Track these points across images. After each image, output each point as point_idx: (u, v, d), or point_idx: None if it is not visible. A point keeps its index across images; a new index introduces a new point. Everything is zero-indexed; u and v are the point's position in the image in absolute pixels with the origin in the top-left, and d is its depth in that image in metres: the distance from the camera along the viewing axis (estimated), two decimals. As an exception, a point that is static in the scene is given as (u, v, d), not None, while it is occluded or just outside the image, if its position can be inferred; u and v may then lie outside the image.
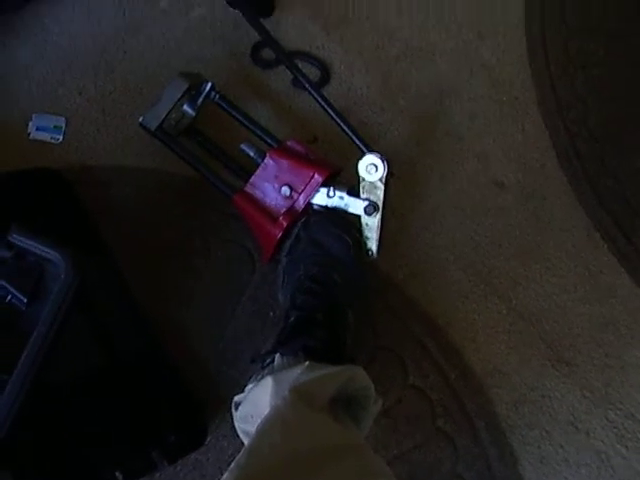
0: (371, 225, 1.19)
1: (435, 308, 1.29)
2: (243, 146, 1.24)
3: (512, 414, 1.23)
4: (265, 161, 1.21)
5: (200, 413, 1.22)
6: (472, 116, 1.40)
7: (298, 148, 1.24)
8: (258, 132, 1.30)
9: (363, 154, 1.15)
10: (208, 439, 1.21)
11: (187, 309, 1.28)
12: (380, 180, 1.15)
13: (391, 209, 1.32)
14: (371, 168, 1.15)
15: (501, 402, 1.24)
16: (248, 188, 1.22)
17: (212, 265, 1.31)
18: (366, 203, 1.17)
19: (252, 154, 1.24)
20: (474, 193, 1.36)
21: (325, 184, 1.18)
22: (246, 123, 1.30)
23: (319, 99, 1.23)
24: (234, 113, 1.30)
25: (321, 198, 1.19)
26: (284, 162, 1.20)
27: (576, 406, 1.23)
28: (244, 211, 1.22)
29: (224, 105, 1.30)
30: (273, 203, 1.20)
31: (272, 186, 1.20)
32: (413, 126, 1.40)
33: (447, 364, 1.25)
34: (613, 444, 1.21)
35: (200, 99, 1.30)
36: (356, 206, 1.18)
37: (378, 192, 1.16)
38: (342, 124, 1.24)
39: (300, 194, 1.19)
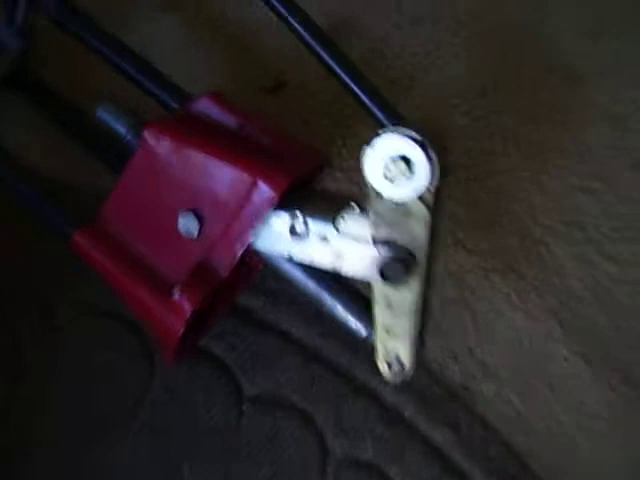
0: (397, 306, 0.49)
1: None
2: (101, 111, 0.55)
3: None
4: (141, 148, 0.51)
5: None
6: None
7: (223, 116, 0.53)
8: (147, 80, 0.59)
9: (377, 133, 0.46)
10: None
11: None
12: (419, 198, 0.46)
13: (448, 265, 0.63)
14: (397, 169, 0.45)
15: None
16: (103, 218, 0.52)
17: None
18: (387, 253, 0.47)
19: (117, 127, 0.54)
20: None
21: (286, 203, 0.49)
22: (120, 61, 0.59)
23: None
24: (95, 42, 0.59)
25: (277, 239, 0.50)
26: (187, 151, 0.50)
27: None
28: (98, 269, 0.52)
29: (73, 23, 0.59)
30: (162, 250, 0.51)
31: (160, 212, 0.51)
32: (483, 61, 0.68)
33: None
34: None
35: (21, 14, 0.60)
36: (361, 259, 0.48)
37: (414, 226, 0.47)
38: (331, 60, 0.54)
39: (223, 233, 0.49)
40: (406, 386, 0.61)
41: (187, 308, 0.48)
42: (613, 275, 0.63)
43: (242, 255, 0.50)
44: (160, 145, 0.50)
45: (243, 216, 0.49)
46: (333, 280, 0.53)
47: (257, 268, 0.59)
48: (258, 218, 0.49)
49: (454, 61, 0.69)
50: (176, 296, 0.48)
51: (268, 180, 0.48)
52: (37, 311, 0.63)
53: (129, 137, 0.54)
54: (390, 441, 0.59)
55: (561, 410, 0.61)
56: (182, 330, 0.49)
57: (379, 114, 0.52)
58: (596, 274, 0.63)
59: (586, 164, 0.66)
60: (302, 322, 0.61)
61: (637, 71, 0.67)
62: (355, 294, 0.53)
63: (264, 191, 0.48)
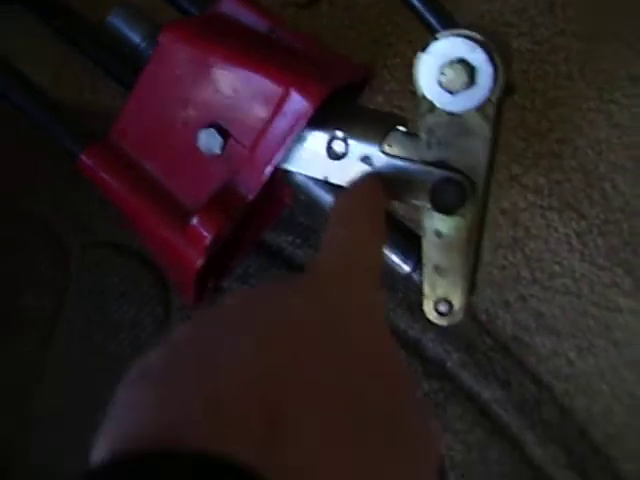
0: (449, 239, 0.42)
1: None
2: (113, 15, 0.48)
3: None
4: (157, 54, 0.44)
5: None
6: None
7: (251, 19, 0.46)
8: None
9: (434, 37, 0.39)
10: None
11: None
12: (479, 108, 0.39)
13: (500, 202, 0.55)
14: (455, 74, 0.38)
15: None
16: (114, 136, 0.46)
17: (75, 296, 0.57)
18: (440, 175, 0.40)
19: (131, 35, 0.47)
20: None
21: (322, 119, 0.42)
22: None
23: None
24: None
25: (312, 159, 0.43)
26: (209, 57, 0.43)
27: None
28: (109, 195, 0.46)
29: None
30: (179, 172, 0.45)
31: (176, 126, 0.44)
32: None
33: None
34: None
35: None
36: (409, 183, 0.41)
37: (472, 144, 0.40)
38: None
39: (251, 148, 0.43)
40: (450, 335, 0.54)
41: (206, 235, 0.42)
42: (688, 218, 0.56)
43: (271, 179, 0.43)
44: (178, 52, 0.44)
45: (273, 132, 0.42)
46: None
47: (286, 201, 0.53)
48: (291, 134, 0.42)
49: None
50: (194, 222, 0.42)
51: (302, 90, 0.41)
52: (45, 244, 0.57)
53: (144, 46, 0.47)
54: (431, 396, 0.53)
55: (625, 368, 0.54)
56: (201, 261, 0.43)
57: (433, 20, 0.45)
58: (668, 216, 0.55)
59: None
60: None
61: None
62: (399, 226, 0.46)
63: (298, 102, 0.41)
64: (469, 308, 0.54)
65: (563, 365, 0.54)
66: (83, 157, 0.46)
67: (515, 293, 0.55)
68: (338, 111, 0.44)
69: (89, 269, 0.55)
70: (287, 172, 0.44)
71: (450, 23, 0.45)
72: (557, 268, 0.55)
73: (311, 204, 0.48)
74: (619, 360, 0.55)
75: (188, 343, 0.24)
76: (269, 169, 0.42)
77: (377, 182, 0.40)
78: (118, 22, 0.48)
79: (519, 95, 0.57)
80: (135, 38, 0.48)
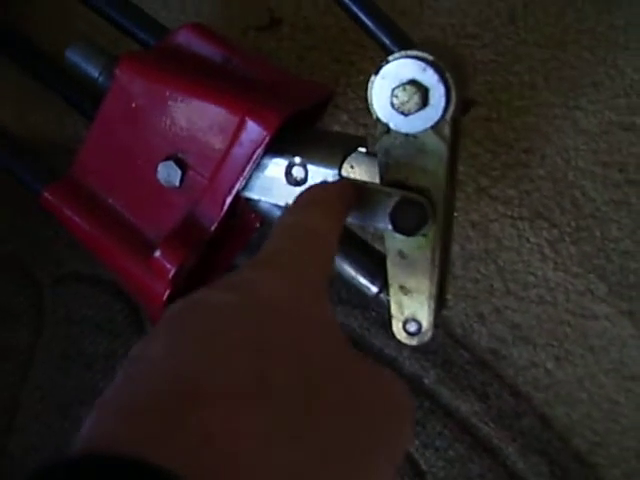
0: (413, 259, 0.42)
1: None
2: (70, 51, 0.48)
3: None
4: (114, 87, 0.44)
5: None
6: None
7: (206, 48, 0.46)
8: (119, 15, 0.52)
9: (386, 59, 0.39)
10: None
11: None
12: (434, 128, 0.39)
13: (470, 215, 0.55)
14: (407, 95, 0.38)
15: None
16: (77, 170, 0.46)
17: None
18: (398, 197, 0.40)
19: (88, 69, 0.47)
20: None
21: (280, 146, 0.42)
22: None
23: None
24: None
25: (272, 186, 0.43)
26: (164, 89, 0.43)
27: None
28: (73, 230, 0.46)
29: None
30: (141, 205, 0.45)
31: (136, 159, 0.44)
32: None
33: None
34: None
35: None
36: (369, 205, 0.41)
37: (429, 164, 0.40)
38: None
39: (210, 179, 0.43)
40: (427, 352, 0.54)
41: (169, 267, 0.42)
42: (659, 221, 0.56)
43: (233, 207, 0.43)
44: (134, 84, 0.44)
45: (231, 161, 0.42)
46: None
47: (253, 226, 0.52)
48: (249, 163, 0.42)
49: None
50: (157, 254, 0.42)
51: (258, 118, 0.41)
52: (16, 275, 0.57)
53: (102, 79, 0.47)
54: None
55: (603, 375, 0.54)
56: (166, 292, 0.43)
57: (387, 41, 0.45)
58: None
59: (625, 98, 0.58)
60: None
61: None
62: (365, 247, 0.46)
63: (254, 130, 0.41)
64: (444, 323, 0.54)
65: (541, 375, 0.54)
66: (45, 194, 0.46)
67: (489, 305, 0.55)
68: (296, 137, 0.44)
69: (63, 302, 0.55)
70: (249, 199, 0.44)
71: (404, 43, 0.45)
72: (531, 278, 0.55)
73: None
74: (597, 367, 0.55)
75: (133, 357, 0.25)
76: (229, 199, 0.42)
77: (347, 183, 0.39)
78: (75, 57, 0.48)
79: (484, 107, 0.57)
80: (93, 72, 0.47)
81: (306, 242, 0.31)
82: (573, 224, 0.55)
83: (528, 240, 0.55)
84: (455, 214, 0.53)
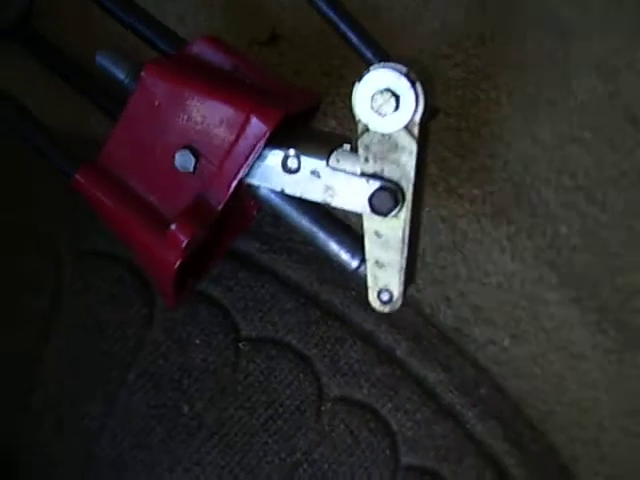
0: (387, 238, 0.50)
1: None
2: (100, 56, 0.56)
3: None
4: (139, 88, 0.52)
5: None
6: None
7: (218, 58, 0.55)
8: (144, 28, 0.60)
9: (367, 69, 0.47)
10: None
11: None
12: (406, 128, 0.47)
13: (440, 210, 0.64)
14: (383, 100, 0.46)
15: None
16: (103, 158, 0.54)
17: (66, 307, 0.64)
18: (375, 184, 0.48)
19: (116, 72, 0.55)
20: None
21: (278, 140, 0.50)
22: (119, 11, 0.61)
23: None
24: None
25: (270, 174, 0.51)
26: (183, 90, 0.51)
27: None
28: (99, 208, 0.54)
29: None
30: (159, 187, 0.53)
31: (156, 149, 0.52)
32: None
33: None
34: None
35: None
36: (351, 191, 0.50)
37: (402, 158, 0.48)
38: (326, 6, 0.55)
39: (219, 166, 0.51)
40: (399, 327, 0.62)
41: (182, 238, 0.50)
42: (603, 222, 0.64)
43: (237, 191, 0.51)
44: (157, 86, 0.52)
45: (237, 151, 0.50)
46: (326, 216, 0.54)
47: (253, 213, 0.61)
48: (252, 153, 0.50)
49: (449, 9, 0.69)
50: (173, 228, 0.50)
51: (261, 115, 0.49)
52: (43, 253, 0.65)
53: (128, 81, 0.55)
54: (384, 380, 0.61)
55: (552, 352, 0.62)
56: (178, 261, 0.51)
57: (369, 54, 0.54)
58: (586, 220, 0.64)
59: (577, 115, 0.67)
60: (299, 267, 0.63)
61: (629, 22, 0.68)
62: (347, 228, 0.54)
63: (257, 126, 0.50)
64: (415, 303, 0.63)
65: (499, 351, 0.63)
66: (77, 176, 0.54)
67: (455, 290, 0.63)
68: (292, 133, 0.52)
69: (81, 275, 0.63)
70: (250, 186, 0.52)
71: (383, 56, 0.53)
72: (491, 267, 0.63)
73: (275, 215, 0.56)
74: (547, 346, 0.63)
75: None
76: (235, 183, 0.50)
77: None
78: (104, 61, 0.56)
79: (455, 118, 0.65)
80: (120, 75, 0.56)
81: None
82: (529, 221, 0.64)
83: (490, 234, 0.64)
84: (427, 209, 0.61)
